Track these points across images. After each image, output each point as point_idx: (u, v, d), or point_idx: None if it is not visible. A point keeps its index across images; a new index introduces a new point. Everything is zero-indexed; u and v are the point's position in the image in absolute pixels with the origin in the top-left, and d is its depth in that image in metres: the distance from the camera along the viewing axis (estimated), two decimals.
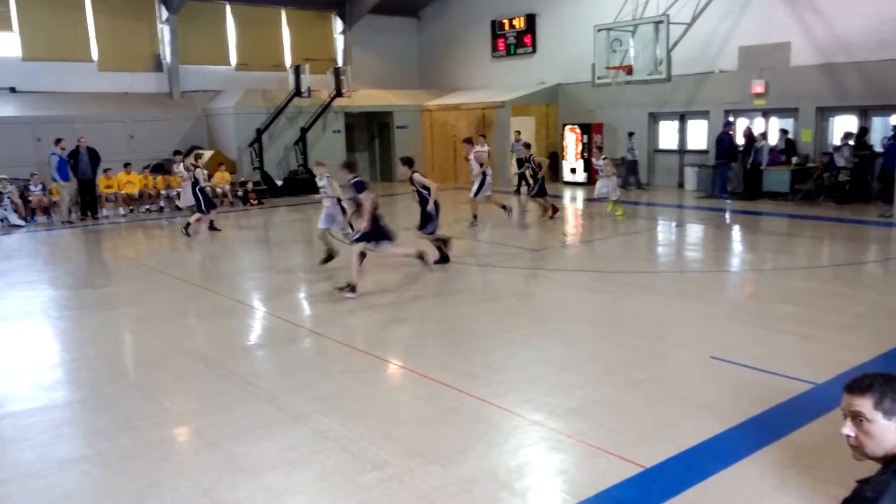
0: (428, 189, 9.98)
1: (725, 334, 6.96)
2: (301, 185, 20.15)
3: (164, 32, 21.44)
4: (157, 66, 21.54)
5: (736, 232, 13.85)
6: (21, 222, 15.85)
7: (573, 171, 21.31)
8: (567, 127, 21.35)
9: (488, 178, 13.82)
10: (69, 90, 19.69)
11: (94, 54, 20.50)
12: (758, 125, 17.94)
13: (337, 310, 8.41)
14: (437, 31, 26.25)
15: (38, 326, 8.12)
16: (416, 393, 5.68)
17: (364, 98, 23.10)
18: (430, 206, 9.96)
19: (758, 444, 4.53)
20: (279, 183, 20.49)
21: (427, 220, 10.16)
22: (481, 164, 13.79)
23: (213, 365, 6.45)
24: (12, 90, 19.01)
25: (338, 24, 25.17)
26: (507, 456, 4.53)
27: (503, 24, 23.59)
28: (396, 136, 23.85)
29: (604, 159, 14.78)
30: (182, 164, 14.68)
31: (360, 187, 8.96)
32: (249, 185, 19.15)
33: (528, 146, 16.18)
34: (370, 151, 25.07)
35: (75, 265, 11.98)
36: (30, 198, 16.49)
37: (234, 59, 23.05)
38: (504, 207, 14.12)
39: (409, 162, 10.22)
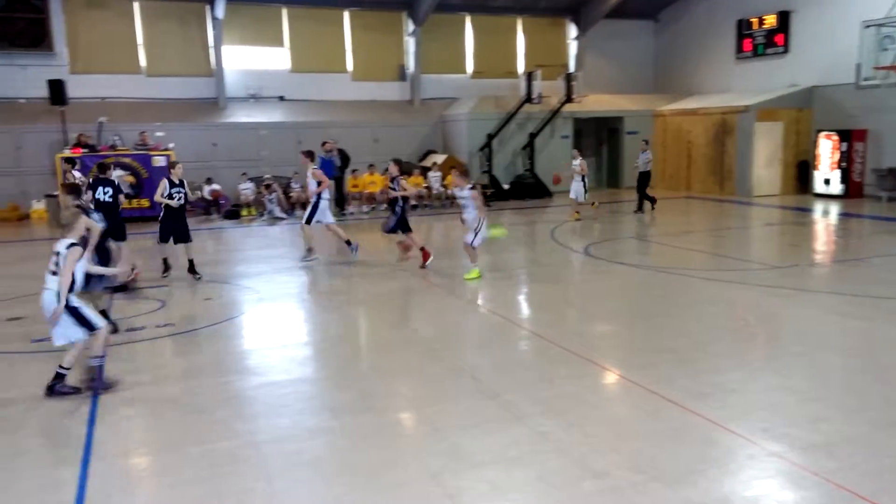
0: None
1: None
2: (527, 188, 20.76)
3: (409, 44, 23.04)
4: (402, 75, 23.24)
5: None
6: (283, 215, 17.98)
7: (827, 182, 19.20)
8: (822, 133, 19.30)
9: (323, 202, 11.41)
10: (326, 98, 21.99)
11: (349, 66, 22.68)
12: None
13: (560, 314, 8.44)
14: (677, 33, 25.14)
15: (293, 308, 9.15)
16: (641, 407, 5.49)
17: (594, 103, 22.85)
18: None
19: None
20: (506, 187, 21.04)
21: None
22: (319, 184, 11.35)
23: (439, 357, 6.79)
24: (281, 99, 21.66)
25: (571, 30, 25.19)
26: (741, 485, 4.21)
27: (751, 24, 21.93)
28: (626, 141, 23.27)
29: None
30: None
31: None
32: (478, 188, 19.75)
33: (398, 162, 11.81)
34: (597, 157, 24.73)
35: (325, 255, 13.24)
36: (291, 194, 18.62)
37: (469, 67, 24.10)
38: (348, 243, 11.44)
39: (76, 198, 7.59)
